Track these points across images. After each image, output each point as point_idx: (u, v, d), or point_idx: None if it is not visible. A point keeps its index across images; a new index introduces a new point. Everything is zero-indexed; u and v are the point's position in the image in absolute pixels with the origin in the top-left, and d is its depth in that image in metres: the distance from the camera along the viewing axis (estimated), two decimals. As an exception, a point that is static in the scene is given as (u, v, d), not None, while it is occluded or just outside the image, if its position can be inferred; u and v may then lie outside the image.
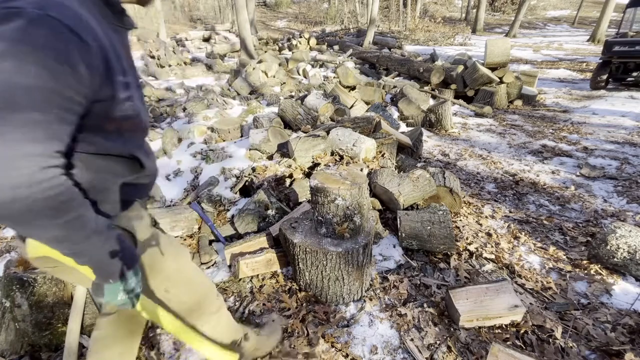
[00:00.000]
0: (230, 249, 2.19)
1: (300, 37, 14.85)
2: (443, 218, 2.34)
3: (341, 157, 3.15)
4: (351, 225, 1.83)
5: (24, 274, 1.62)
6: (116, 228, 0.82)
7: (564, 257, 2.43)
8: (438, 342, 1.69)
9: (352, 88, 6.74)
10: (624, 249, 2.16)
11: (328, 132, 3.35)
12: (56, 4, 0.60)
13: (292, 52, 11.29)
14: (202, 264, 2.30)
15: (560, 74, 10.06)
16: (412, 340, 1.70)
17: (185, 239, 2.51)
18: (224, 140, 4.24)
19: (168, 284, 1.03)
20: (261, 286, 2.08)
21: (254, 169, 3.13)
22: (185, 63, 12.74)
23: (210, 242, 2.52)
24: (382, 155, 3.23)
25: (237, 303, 1.98)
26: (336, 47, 13.71)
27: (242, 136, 4.39)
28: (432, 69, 7.09)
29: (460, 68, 6.79)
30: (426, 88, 7.05)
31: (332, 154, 3.24)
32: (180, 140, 4.31)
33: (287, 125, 4.32)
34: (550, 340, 1.69)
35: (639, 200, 3.18)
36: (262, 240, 2.24)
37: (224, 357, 1.23)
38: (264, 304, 1.94)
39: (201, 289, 1.17)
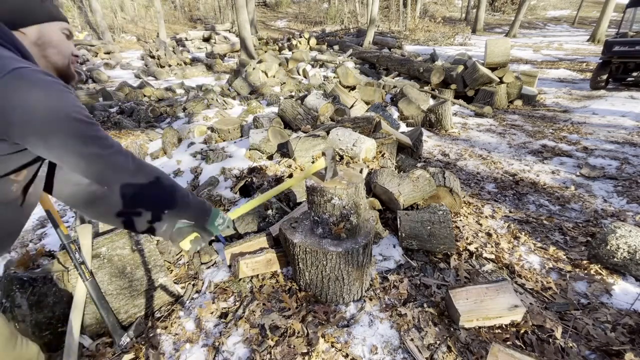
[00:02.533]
0: (230, 249, 2.19)
1: (300, 37, 14.86)
2: (443, 218, 2.34)
3: (341, 157, 3.15)
4: (347, 225, 1.83)
5: (24, 274, 1.63)
6: None
7: (564, 257, 2.43)
8: (438, 342, 1.69)
9: (352, 88, 6.74)
10: (624, 249, 2.16)
11: (328, 132, 3.35)
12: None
13: (292, 52, 11.30)
14: (202, 263, 2.30)
15: (560, 74, 10.06)
16: (412, 340, 1.70)
17: (185, 239, 2.51)
18: (224, 140, 4.24)
19: None
20: (261, 286, 2.08)
21: (254, 169, 3.13)
22: (185, 63, 12.75)
23: (210, 242, 2.53)
24: (382, 155, 3.23)
25: (237, 303, 1.98)
26: (336, 47, 13.72)
27: (242, 136, 4.39)
28: (432, 69, 7.09)
29: (460, 68, 6.79)
30: (426, 88, 7.05)
31: (332, 154, 3.24)
32: (180, 140, 4.31)
33: (287, 125, 4.33)
34: (550, 340, 1.69)
35: (639, 200, 3.18)
36: (262, 240, 2.24)
37: None
38: (263, 304, 1.94)
39: None
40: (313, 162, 3.16)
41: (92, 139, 0.85)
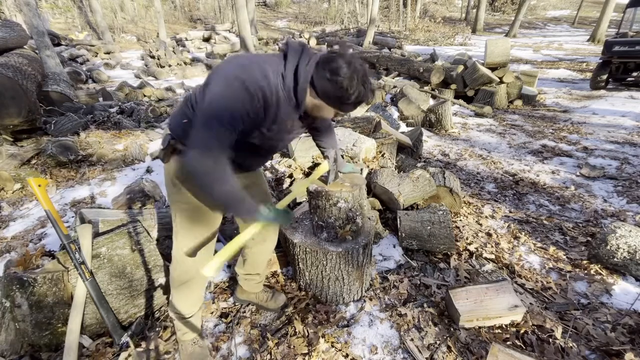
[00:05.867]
0: (230, 249, 2.19)
1: (300, 37, 14.85)
2: (443, 218, 2.34)
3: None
4: (353, 228, 1.82)
5: (24, 274, 1.62)
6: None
7: (564, 257, 2.43)
8: (438, 342, 1.69)
9: (352, 88, 6.72)
10: (624, 249, 2.16)
11: (328, 132, 3.34)
12: (259, 86, 1.14)
13: (292, 52, 11.27)
14: (202, 264, 2.30)
15: (560, 74, 10.06)
16: (412, 340, 1.70)
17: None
18: (224, 140, 4.23)
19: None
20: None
21: (254, 169, 3.13)
22: (185, 63, 12.75)
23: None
24: (382, 155, 3.23)
25: (237, 303, 1.98)
26: (336, 47, 13.69)
27: (242, 136, 4.38)
28: (432, 69, 7.09)
29: (460, 68, 6.79)
30: (426, 88, 7.05)
31: (332, 154, 3.23)
32: (180, 140, 4.30)
33: (287, 125, 4.32)
34: (550, 340, 1.69)
35: (639, 200, 3.18)
36: (262, 240, 2.24)
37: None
38: (264, 304, 1.93)
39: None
40: (313, 162, 3.16)
41: (209, 135, 1.12)
